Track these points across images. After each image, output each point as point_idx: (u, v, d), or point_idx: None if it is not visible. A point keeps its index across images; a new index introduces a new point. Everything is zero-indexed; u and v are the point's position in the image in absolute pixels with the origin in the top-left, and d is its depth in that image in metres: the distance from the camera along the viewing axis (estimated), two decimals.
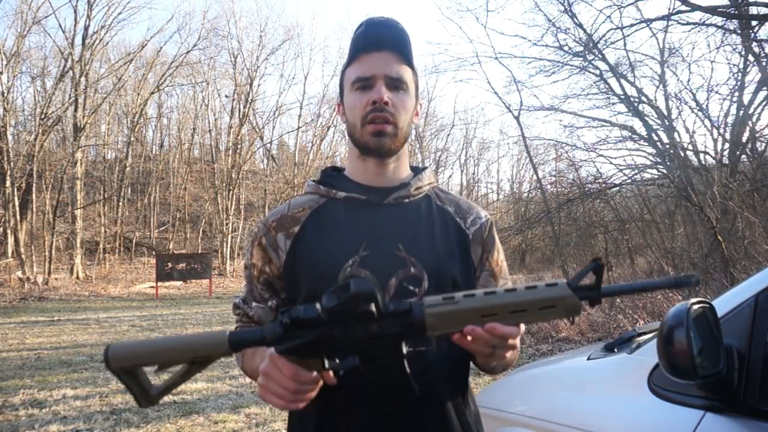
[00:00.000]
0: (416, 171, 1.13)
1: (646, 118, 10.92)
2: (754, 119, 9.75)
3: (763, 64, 8.96)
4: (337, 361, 0.80)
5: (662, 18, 9.42)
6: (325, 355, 0.79)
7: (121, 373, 0.81)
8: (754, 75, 9.56)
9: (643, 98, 11.05)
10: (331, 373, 0.79)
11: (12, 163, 18.74)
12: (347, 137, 1.09)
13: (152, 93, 26.42)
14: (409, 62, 1.05)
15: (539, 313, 0.77)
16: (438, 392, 0.99)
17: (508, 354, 0.85)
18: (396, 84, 1.02)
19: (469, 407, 1.06)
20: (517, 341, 0.84)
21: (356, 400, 0.96)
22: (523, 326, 0.80)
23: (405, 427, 0.96)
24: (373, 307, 0.76)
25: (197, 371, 0.82)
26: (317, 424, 0.98)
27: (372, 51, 1.02)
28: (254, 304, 1.09)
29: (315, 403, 0.98)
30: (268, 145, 29.90)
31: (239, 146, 26.30)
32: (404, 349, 0.80)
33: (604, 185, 10.70)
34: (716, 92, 10.44)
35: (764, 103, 9.56)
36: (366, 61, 1.02)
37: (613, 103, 11.76)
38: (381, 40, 1.02)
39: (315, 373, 0.79)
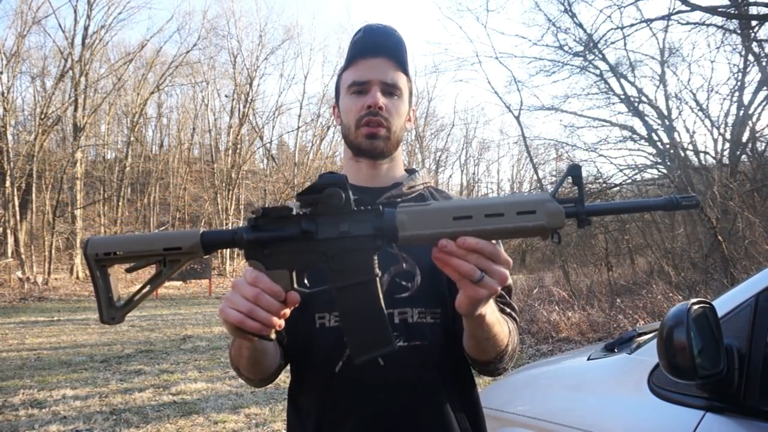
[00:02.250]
0: (411, 172, 1.15)
1: (646, 118, 10.92)
2: (754, 119, 9.75)
3: (764, 64, 8.96)
4: (306, 282, 0.79)
5: (662, 18, 9.42)
6: (293, 266, 0.77)
7: (95, 264, 0.78)
8: (754, 75, 9.57)
9: (643, 98, 11.05)
10: (295, 293, 0.77)
11: (12, 163, 18.73)
12: (342, 139, 1.11)
13: (152, 93, 26.42)
14: (404, 69, 1.08)
15: (518, 218, 0.72)
16: (435, 389, 0.99)
17: (498, 287, 0.75)
18: (390, 90, 1.05)
19: (472, 409, 1.05)
20: (507, 274, 0.75)
21: (353, 399, 0.97)
22: (505, 254, 0.74)
23: (401, 423, 0.96)
24: (342, 195, 0.75)
25: (167, 276, 0.80)
26: (316, 423, 0.98)
27: (369, 57, 1.05)
28: None
29: (314, 403, 0.99)
30: (268, 144, 29.90)
31: (239, 146, 26.30)
32: (376, 268, 0.78)
33: (604, 185, 10.70)
34: (716, 92, 10.49)
35: (764, 103, 9.55)
36: (363, 66, 1.05)
37: (613, 103, 11.76)
38: (378, 46, 1.05)
39: (277, 288, 0.75)
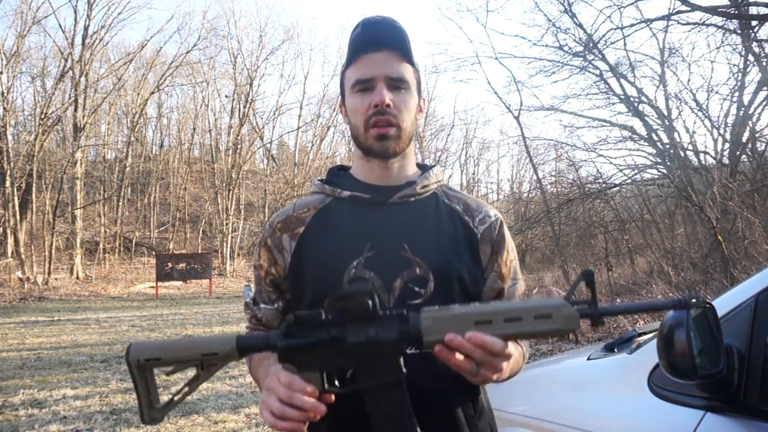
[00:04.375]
0: (424, 169, 1.11)
1: (646, 118, 10.93)
2: (754, 119, 9.77)
3: (764, 64, 8.97)
4: (336, 383, 0.83)
5: (662, 18, 9.43)
6: (323, 368, 0.81)
7: (136, 369, 0.85)
8: (754, 75, 9.60)
9: (643, 98, 11.06)
10: (328, 395, 0.81)
11: (12, 163, 18.74)
12: (350, 138, 1.08)
13: (152, 93, 26.42)
14: (410, 60, 1.02)
15: (535, 323, 0.76)
16: (446, 394, 0.98)
17: (494, 377, 0.81)
18: (397, 84, 1.00)
19: (482, 411, 1.05)
20: (505, 366, 0.80)
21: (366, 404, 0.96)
22: (512, 347, 0.78)
23: None
24: (369, 303, 0.79)
25: (205, 378, 0.86)
26: (327, 427, 0.97)
27: (370, 51, 0.99)
28: (262, 305, 1.10)
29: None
30: (268, 145, 29.91)
31: (239, 146, 26.30)
32: (402, 366, 0.81)
33: (604, 185, 10.71)
34: (716, 92, 10.48)
35: (764, 103, 9.57)
36: (365, 62, 1.00)
37: (613, 103, 11.79)
38: (379, 39, 1.00)
39: (311, 388, 0.79)
